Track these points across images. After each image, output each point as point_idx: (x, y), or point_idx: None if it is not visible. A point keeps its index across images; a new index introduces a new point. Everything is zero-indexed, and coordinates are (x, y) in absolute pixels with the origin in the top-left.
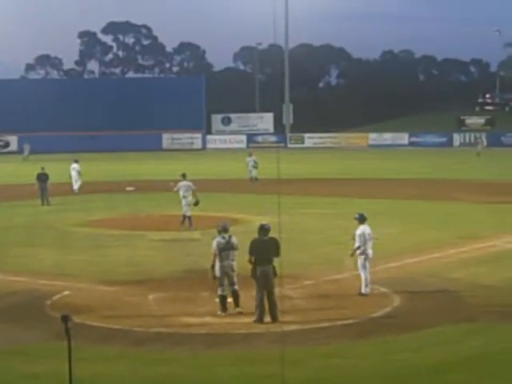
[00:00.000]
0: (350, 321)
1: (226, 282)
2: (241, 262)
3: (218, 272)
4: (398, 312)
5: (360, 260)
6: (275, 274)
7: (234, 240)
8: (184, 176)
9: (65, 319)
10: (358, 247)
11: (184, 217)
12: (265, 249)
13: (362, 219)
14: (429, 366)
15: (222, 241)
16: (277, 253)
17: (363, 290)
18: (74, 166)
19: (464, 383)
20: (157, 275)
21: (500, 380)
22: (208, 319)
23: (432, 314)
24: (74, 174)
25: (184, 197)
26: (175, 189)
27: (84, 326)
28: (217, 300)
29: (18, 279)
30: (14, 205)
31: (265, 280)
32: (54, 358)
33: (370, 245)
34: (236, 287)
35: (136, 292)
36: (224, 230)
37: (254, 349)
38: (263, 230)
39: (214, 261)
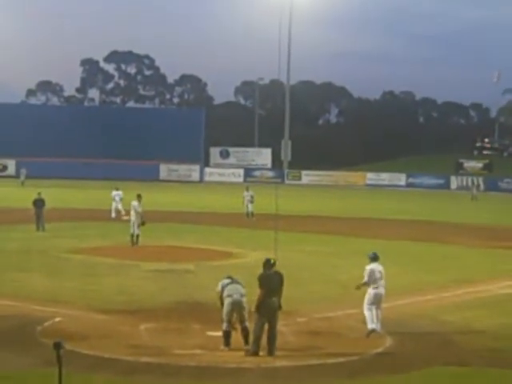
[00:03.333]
0: (341, 359)
1: (234, 317)
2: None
3: (225, 307)
4: (389, 353)
5: (368, 297)
6: (280, 307)
7: (239, 279)
8: (139, 197)
9: (57, 346)
10: (365, 283)
11: (132, 236)
12: (272, 282)
13: (374, 258)
14: None
15: (226, 281)
16: (282, 285)
17: (376, 327)
18: (118, 192)
19: None
20: (149, 305)
21: None
22: (198, 351)
23: (423, 355)
24: (118, 200)
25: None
26: (126, 216)
27: (74, 354)
28: (210, 333)
29: (9, 303)
30: (8, 229)
31: (270, 313)
32: None
33: (381, 283)
34: (247, 324)
35: (127, 321)
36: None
37: (243, 383)
38: (269, 264)
39: (221, 299)
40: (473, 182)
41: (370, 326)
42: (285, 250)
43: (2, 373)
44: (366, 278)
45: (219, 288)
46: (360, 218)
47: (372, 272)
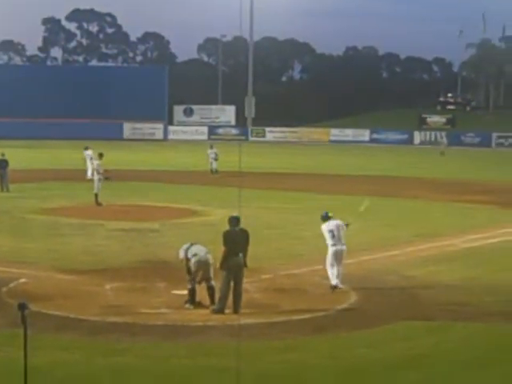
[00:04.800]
0: (306, 316)
1: (200, 276)
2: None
3: (192, 266)
4: (354, 308)
5: (330, 252)
6: (245, 265)
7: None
8: (101, 156)
9: (22, 307)
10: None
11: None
12: (237, 239)
13: (327, 218)
14: (381, 362)
15: (185, 245)
16: (247, 243)
17: (334, 282)
18: (88, 152)
19: (415, 381)
20: (114, 265)
21: (451, 379)
22: (164, 310)
23: (388, 311)
24: (88, 160)
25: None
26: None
27: (40, 314)
28: (175, 292)
29: None
30: None
31: (236, 270)
32: (8, 345)
33: (342, 240)
34: (213, 283)
35: (93, 281)
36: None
37: (209, 341)
38: (234, 221)
39: (187, 264)
40: (440, 137)
41: (334, 281)
42: (249, 207)
43: None
44: (329, 241)
45: (182, 255)
46: (324, 174)
47: (331, 231)
